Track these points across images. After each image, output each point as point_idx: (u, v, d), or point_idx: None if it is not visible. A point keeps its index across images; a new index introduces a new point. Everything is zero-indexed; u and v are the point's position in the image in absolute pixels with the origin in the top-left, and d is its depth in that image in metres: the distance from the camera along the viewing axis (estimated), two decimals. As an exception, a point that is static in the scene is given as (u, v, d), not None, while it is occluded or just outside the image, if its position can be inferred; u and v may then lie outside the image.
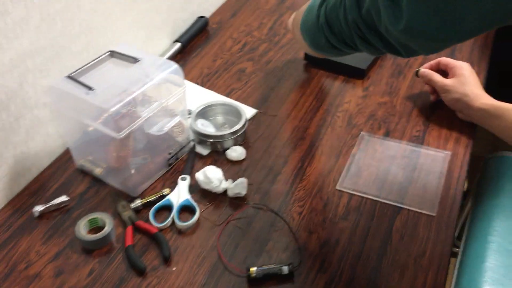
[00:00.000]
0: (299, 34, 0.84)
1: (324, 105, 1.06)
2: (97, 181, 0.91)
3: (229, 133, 0.94)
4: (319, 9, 0.74)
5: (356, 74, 1.13)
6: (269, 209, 0.85)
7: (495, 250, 1.10)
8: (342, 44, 0.73)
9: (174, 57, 1.21)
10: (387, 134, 0.98)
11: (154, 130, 0.83)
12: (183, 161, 0.94)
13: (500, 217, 1.18)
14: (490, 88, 1.01)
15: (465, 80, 0.95)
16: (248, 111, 1.03)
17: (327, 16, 0.72)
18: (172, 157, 0.92)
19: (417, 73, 1.04)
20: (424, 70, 1.03)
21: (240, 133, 0.95)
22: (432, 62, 1.04)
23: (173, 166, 0.93)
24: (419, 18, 0.55)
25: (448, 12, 0.53)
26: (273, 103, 1.07)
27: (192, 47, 1.25)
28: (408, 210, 0.84)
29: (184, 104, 0.90)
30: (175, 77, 0.87)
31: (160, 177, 0.91)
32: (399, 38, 0.59)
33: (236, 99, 1.08)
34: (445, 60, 1.02)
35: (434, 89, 1.03)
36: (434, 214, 0.83)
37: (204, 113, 1.01)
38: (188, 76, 1.16)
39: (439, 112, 1.02)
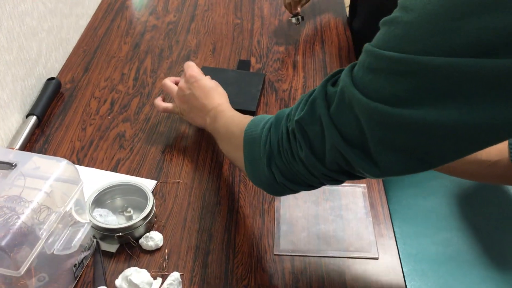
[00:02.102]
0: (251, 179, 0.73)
1: (226, 159, 0.97)
2: (-15, 326, 0.70)
3: (140, 220, 0.81)
4: (268, 167, 0.64)
5: (246, 117, 1.07)
6: (214, 300, 0.74)
7: (405, 258, 1.16)
8: (309, 188, 0.65)
9: (32, 134, 1.01)
10: (300, 178, 0.94)
11: (59, 249, 0.66)
12: (90, 266, 0.78)
13: (397, 224, 1.23)
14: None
15: None
16: (147, 185, 0.90)
17: (284, 174, 0.63)
18: (78, 267, 0.75)
19: None
20: None
21: (151, 216, 0.82)
22: None
23: (80, 277, 0.77)
24: (394, 165, 0.51)
25: (425, 154, 0.49)
26: (170, 168, 0.95)
27: (51, 118, 1.06)
28: (353, 258, 0.81)
29: (84, 201, 0.74)
30: (67, 174, 0.70)
31: (68, 296, 0.74)
32: (378, 177, 0.55)
33: (127, 172, 0.94)
34: None
35: None
36: (377, 257, 0.81)
37: (98, 199, 0.85)
38: (57, 154, 0.97)
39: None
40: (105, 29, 1.35)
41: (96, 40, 1.31)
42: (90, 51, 1.26)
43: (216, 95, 0.92)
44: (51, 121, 1.05)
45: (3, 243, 0.59)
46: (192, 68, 0.96)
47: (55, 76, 1.16)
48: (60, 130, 1.03)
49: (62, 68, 1.20)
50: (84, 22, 1.35)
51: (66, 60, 1.23)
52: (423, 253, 1.25)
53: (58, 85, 1.12)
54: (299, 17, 1.30)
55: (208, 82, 0.94)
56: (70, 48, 1.26)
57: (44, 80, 1.11)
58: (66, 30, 1.23)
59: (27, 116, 1.02)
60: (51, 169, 0.69)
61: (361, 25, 1.36)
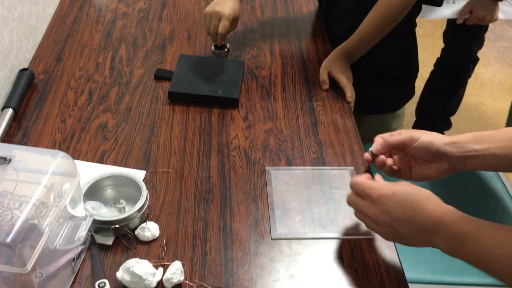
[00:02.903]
0: None
1: (213, 146, 0.97)
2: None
3: (135, 211, 0.79)
4: None
5: (229, 105, 1.06)
6: None
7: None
8: None
9: (9, 128, 0.97)
10: (289, 163, 0.95)
11: (62, 244, 0.65)
12: (86, 260, 0.76)
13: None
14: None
15: (425, 131, 0.81)
16: (137, 175, 0.89)
17: None
18: (76, 261, 0.74)
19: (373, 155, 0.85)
20: (376, 148, 0.83)
21: (145, 206, 0.81)
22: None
23: (78, 271, 0.75)
24: None
25: None
26: (158, 158, 0.94)
27: (28, 110, 1.02)
28: (348, 240, 0.83)
29: (79, 194, 0.73)
30: (65, 167, 0.68)
31: (68, 292, 0.72)
32: None
33: (114, 164, 0.92)
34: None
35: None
36: (371, 236, 0.83)
37: (88, 192, 0.83)
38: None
39: (323, 129, 1.03)
40: (74, 17, 1.31)
41: (65, 28, 1.26)
42: (61, 40, 1.22)
43: (425, 202, 0.68)
44: (28, 113, 1.01)
45: (9, 239, 0.57)
46: (370, 186, 0.72)
47: (27, 66, 1.11)
48: (38, 123, 0.99)
49: (33, 58, 1.16)
50: (51, 10, 1.30)
51: (37, 50, 1.18)
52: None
53: (32, 76, 1.07)
54: (225, 49, 1.17)
55: (406, 191, 0.69)
56: (39, 38, 1.21)
57: (16, 71, 1.07)
58: (35, 18, 1.19)
59: (3, 109, 0.98)
60: (48, 162, 0.66)
61: (335, 26, 1.34)
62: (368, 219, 0.72)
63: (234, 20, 1.11)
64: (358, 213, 0.75)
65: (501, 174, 1.33)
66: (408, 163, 0.81)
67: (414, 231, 0.68)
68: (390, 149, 0.83)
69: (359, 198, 0.74)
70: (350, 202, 0.77)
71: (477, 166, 0.78)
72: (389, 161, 0.83)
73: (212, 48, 1.15)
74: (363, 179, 0.74)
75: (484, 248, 0.62)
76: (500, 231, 0.62)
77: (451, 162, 0.78)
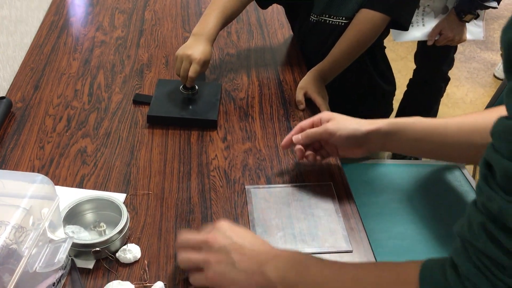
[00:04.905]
0: None
1: (193, 167, 0.98)
2: None
3: (116, 234, 0.79)
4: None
5: (208, 126, 1.08)
6: (201, 306, 0.74)
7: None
8: None
9: (-13, 156, 0.96)
10: (269, 182, 0.96)
11: (42, 267, 0.64)
12: (67, 286, 0.76)
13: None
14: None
15: (341, 117, 0.89)
16: (117, 198, 0.89)
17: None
18: (56, 286, 0.73)
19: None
20: (296, 138, 0.93)
21: (126, 228, 0.81)
22: (298, 129, 0.94)
23: (59, 296, 0.74)
24: None
25: None
26: (138, 180, 0.94)
27: (5, 138, 1.01)
28: (329, 253, 0.83)
29: (58, 217, 0.72)
30: (45, 190, 0.68)
31: (48, 317, 0.71)
32: None
33: (94, 188, 0.92)
34: (305, 123, 0.93)
35: (308, 148, 0.95)
36: (351, 249, 0.84)
37: (68, 216, 0.82)
38: (16, 174, 0.93)
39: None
40: (51, 46, 1.32)
41: (43, 57, 1.27)
42: (38, 69, 1.23)
43: (262, 245, 0.72)
44: (6, 141, 1.01)
45: (-12, 262, 0.56)
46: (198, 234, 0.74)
47: (4, 95, 1.11)
48: (16, 150, 0.99)
49: (10, 87, 1.16)
50: (28, 40, 1.31)
51: (14, 79, 1.18)
52: (382, 247, 1.31)
53: (9, 104, 1.07)
54: (194, 91, 1.12)
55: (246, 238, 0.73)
56: (16, 67, 1.22)
57: (-7, 100, 1.07)
58: (12, 48, 1.19)
59: (-20, 137, 0.98)
60: (26, 185, 0.66)
61: (310, 52, 1.37)
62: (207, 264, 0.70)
63: (205, 64, 1.10)
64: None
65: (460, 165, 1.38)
66: (334, 145, 0.91)
67: (248, 258, 0.68)
68: (311, 141, 0.92)
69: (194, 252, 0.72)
70: (188, 262, 0.73)
71: (394, 150, 0.90)
72: (308, 152, 0.93)
73: (181, 88, 1.12)
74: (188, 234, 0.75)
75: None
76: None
77: (371, 147, 0.89)
